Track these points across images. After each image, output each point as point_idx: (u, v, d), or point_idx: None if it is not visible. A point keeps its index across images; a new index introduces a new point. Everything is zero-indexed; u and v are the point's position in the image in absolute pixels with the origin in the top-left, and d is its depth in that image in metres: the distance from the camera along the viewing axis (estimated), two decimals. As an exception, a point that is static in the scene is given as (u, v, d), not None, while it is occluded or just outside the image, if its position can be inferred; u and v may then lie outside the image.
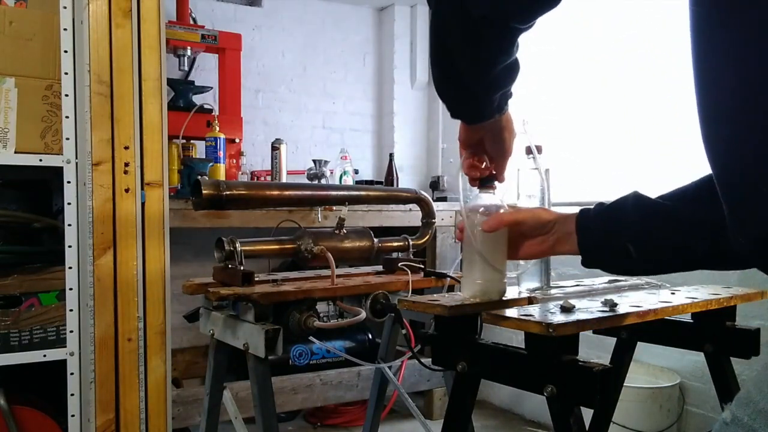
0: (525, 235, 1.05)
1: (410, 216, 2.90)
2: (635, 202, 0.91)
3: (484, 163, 1.09)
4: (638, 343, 1.60)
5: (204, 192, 1.39)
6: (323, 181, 2.96)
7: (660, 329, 1.46)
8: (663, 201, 0.90)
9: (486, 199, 1.11)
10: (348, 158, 3.13)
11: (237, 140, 2.88)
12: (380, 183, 3.45)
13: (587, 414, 1.09)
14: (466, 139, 1.07)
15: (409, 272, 1.58)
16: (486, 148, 1.08)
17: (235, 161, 2.87)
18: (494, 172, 1.11)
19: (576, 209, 0.97)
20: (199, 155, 2.80)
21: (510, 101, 1.02)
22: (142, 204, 1.87)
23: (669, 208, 0.88)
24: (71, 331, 1.86)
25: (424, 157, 3.80)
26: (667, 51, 2.47)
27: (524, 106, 1.05)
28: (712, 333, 1.42)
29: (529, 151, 1.24)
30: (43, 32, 1.88)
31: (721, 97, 0.63)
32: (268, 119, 3.45)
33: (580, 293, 1.30)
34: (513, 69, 0.94)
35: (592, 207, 0.96)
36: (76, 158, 1.85)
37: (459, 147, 1.10)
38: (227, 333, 1.42)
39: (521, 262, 1.26)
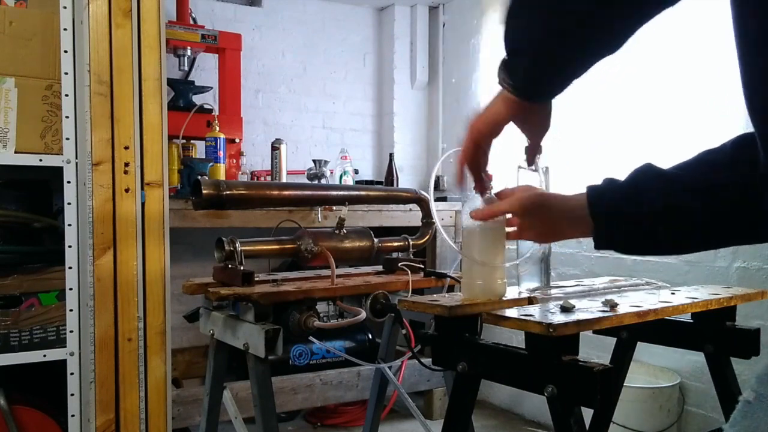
0: None
1: (410, 216, 2.90)
2: (653, 176, 0.86)
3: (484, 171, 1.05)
4: (638, 343, 1.60)
5: (204, 192, 1.40)
6: (323, 181, 2.96)
7: (660, 329, 1.46)
8: (679, 171, 0.85)
9: (482, 199, 1.10)
10: (348, 158, 3.14)
11: (237, 140, 2.88)
12: (380, 183, 3.44)
13: (587, 414, 1.09)
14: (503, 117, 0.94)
15: (409, 272, 1.58)
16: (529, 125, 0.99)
17: (235, 161, 2.87)
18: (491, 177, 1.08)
19: None
20: (199, 155, 2.80)
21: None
22: (142, 204, 1.86)
23: (687, 179, 0.83)
24: (71, 331, 1.86)
25: (424, 157, 3.80)
26: (668, 50, 2.47)
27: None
28: (712, 333, 1.42)
29: (529, 150, 1.23)
30: (43, 32, 1.88)
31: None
32: (268, 119, 3.45)
33: (580, 293, 1.31)
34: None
35: (599, 185, 0.92)
36: (76, 158, 1.85)
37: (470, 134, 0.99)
38: (227, 333, 1.42)
39: (526, 254, 1.24)
